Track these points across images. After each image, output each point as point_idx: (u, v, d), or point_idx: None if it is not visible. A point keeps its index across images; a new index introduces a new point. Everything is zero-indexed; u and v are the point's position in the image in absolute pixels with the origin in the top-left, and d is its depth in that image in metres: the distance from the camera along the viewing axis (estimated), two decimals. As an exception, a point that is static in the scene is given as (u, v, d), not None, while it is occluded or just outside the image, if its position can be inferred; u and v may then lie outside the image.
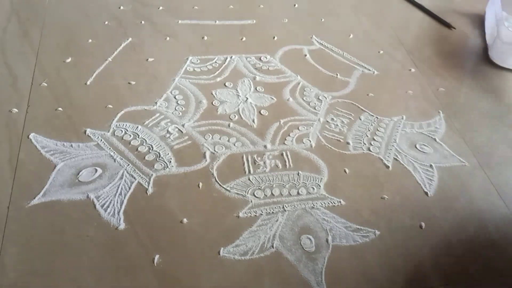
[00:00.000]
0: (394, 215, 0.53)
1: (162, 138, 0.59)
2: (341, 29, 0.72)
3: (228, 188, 0.54)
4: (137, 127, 0.59)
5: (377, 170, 0.58)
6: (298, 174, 0.56)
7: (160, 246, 0.48)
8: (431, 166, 0.59)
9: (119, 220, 0.49)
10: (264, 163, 0.57)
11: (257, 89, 0.68)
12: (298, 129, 0.62)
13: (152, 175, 0.54)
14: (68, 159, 0.54)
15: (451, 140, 0.63)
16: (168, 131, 0.59)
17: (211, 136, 0.60)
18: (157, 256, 0.47)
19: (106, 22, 0.76)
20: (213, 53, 0.73)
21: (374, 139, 0.62)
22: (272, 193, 0.54)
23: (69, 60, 0.68)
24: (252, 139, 0.60)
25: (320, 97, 0.68)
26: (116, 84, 0.65)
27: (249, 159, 0.57)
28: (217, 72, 0.70)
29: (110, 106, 0.62)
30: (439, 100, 0.70)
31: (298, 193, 0.54)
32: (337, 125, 0.64)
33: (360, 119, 0.65)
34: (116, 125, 0.59)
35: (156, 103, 0.63)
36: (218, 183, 0.54)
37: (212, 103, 0.65)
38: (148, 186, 0.53)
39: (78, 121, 0.59)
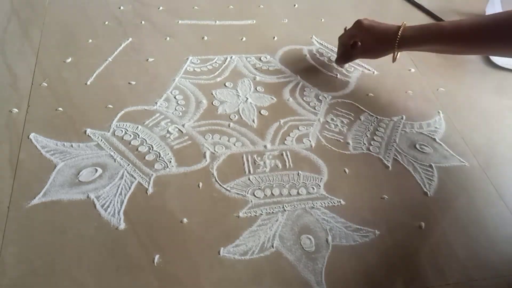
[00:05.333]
0: (394, 215, 0.53)
1: (162, 138, 0.59)
2: (341, 29, 0.72)
3: (228, 188, 0.54)
4: (137, 127, 0.59)
5: (377, 170, 0.58)
6: (298, 174, 0.56)
7: (160, 246, 0.48)
8: (431, 166, 0.59)
9: (119, 220, 0.49)
10: (264, 163, 0.57)
11: (257, 89, 0.68)
12: (298, 129, 0.62)
13: (152, 175, 0.54)
14: (68, 159, 0.54)
15: (451, 140, 0.63)
16: (168, 131, 0.59)
17: (211, 136, 0.60)
18: (157, 256, 0.47)
19: (106, 22, 0.76)
20: (213, 53, 0.73)
21: (374, 139, 0.62)
22: (272, 193, 0.54)
23: (69, 60, 0.68)
24: (252, 139, 0.60)
25: (320, 97, 0.68)
26: (116, 84, 0.65)
27: (249, 159, 0.57)
28: (217, 72, 0.70)
29: (110, 106, 0.62)
30: (439, 100, 0.70)
31: (298, 193, 0.54)
32: (337, 125, 0.64)
33: (360, 119, 0.65)
34: (116, 125, 0.59)
35: (156, 103, 0.63)
36: (218, 183, 0.54)
37: (212, 103, 0.65)
38: (148, 186, 0.53)
39: (78, 121, 0.59)
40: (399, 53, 0.64)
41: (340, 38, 0.70)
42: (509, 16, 0.56)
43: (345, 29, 0.70)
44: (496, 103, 0.70)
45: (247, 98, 0.66)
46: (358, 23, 0.66)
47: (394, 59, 0.65)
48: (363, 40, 0.66)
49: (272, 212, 0.52)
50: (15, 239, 0.47)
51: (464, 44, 0.61)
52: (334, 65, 0.74)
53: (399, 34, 0.62)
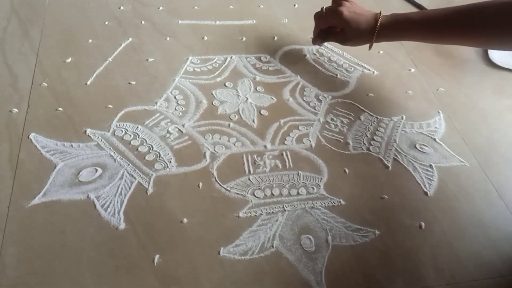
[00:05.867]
0: (394, 215, 0.53)
1: (162, 138, 0.59)
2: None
3: (228, 188, 0.54)
4: (137, 127, 0.59)
5: (377, 170, 0.58)
6: (298, 174, 0.56)
7: (160, 246, 0.48)
8: (431, 166, 0.59)
9: (119, 220, 0.49)
10: (264, 163, 0.57)
11: (257, 89, 0.68)
12: (298, 129, 0.62)
13: (152, 175, 0.54)
14: (68, 159, 0.54)
15: (451, 140, 0.63)
16: (168, 131, 0.59)
17: (211, 136, 0.60)
18: (157, 256, 0.47)
19: (106, 22, 0.76)
20: (213, 53, 0.73)
21: (374, 139, 0.62)
22: (272, 193, 0.54)
23: (69, 60, 0.68)
24: (252, 139, 0.60)
25: (320, 97, 0.68)
26: (116, 84, 0.65)
27: (249, 159, 0.57)
28: (217, 72, 0.70)
29: (110, 106, 0.62)
30: (439, 100, 0.70)
31: (298, 193, 0.54)
32: (337, 125, 0.64)
33: (360, 119, 0.65)
34: (116, 125, 0.59)
35: (156, 103, 0.63)
36: (218, 183, 0.54)
37: (212, 103, 0.65)
38: (148, 186, 0.53)
39: (78, 121, 0.59)
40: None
41: (317, 19, 0.70)
42: (479, 5, 0.58)
43: (322, 8, 0.69)
44: (496, 103, 0.70)
45: (247, 98, 0.66)
46: (339, 15, 0.65)
47: (369, 47, 0.67)
48: (344, 31, 0.67)
49: (272, 212, 0.52)
50: (15, 239, 0.47)
51: (436, 35, 0.63)
52: (334, 65, 0.74)
53: (376, 29, 0.64)
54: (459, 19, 0.59)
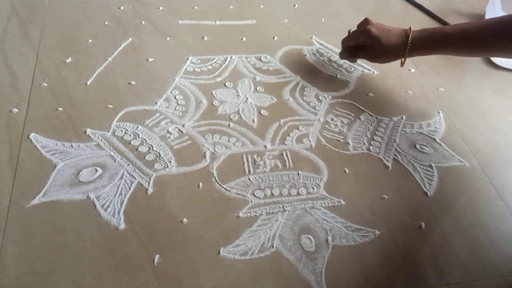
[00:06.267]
0: (394, 215, 0.53)
1: (162, 138, 0.59)
2: (341, 29, 0.72)
3: (228, 188, 0.54)
4: (137, 127, 0.59)
5: (377, 170, 0.58)
6: (298, 174, 0.56)
7: (160, 246, 0.48)
8: (431, 166, 0.59)
9: (119, 220, 0.49)
10: (264, 163, 0.57)
11: (257, 89, 0.68)
12: (298, 129, 0.62)
13: (152, 175, 0.54)
14: (68, 159, 0.54)
15: (451, 140, 0.63)
16: (168, 131, 0.59)
17: (211, 136, 0.60)
18: (157, 256, 0.47)
19: (106, 22, 0.76)
20: (213, 53, 0.73)
21: (374, 139, 0.62)
22: (272, 193, 0.54)
23: (69, 60, 0.68)
24: (252, 139, 0.60)
25: (320, 97, 0.68)
26: (116, 84, 0.65)
27: (249, 159, 0.57)
28: (217, 72, 0.70)
29: (110, 106, 0.62)
30: (439, 100, 0.70)
31: (298, 193, 0.54)
32: (337, 125, 0.64)
33: (360, 119, 0.65)
34: (116, 125, 0.59)
35: (156, 103, 0.63)
36: (218, 183, 0.54)
37: (212, 103, 0.65)
38: (148, 186, 0.53)
39: (78, 121, 0.59)
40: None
41: (344, 41, 0.69)
42: None
43: (349, 31, 0.69)
44: (496, 103, 0.70)
45: (247, 98, 0.66)
46: (367, 32, 0.64)
47: (402, 64, 0.66)
48: (374, 47, 0.65)
49: (272, 212, 0.52)
50: (15, 239, 0.47)
51: (472, 48, 0.62)
52: (334, 65, 0.74)
53: (408, 43, 0.62)
54: (498, 30, 0.58)
